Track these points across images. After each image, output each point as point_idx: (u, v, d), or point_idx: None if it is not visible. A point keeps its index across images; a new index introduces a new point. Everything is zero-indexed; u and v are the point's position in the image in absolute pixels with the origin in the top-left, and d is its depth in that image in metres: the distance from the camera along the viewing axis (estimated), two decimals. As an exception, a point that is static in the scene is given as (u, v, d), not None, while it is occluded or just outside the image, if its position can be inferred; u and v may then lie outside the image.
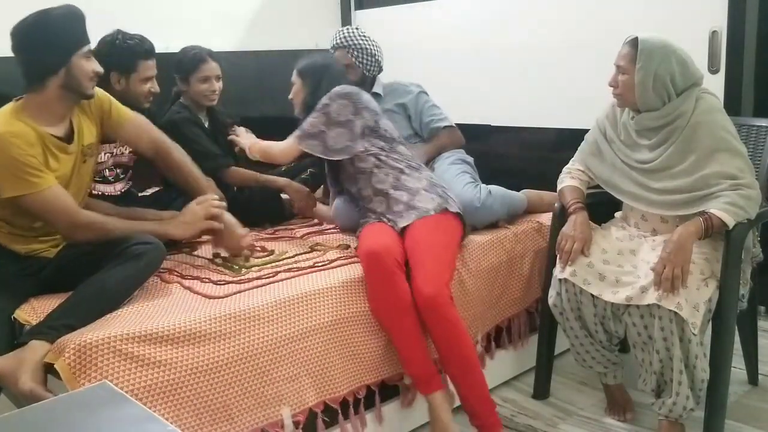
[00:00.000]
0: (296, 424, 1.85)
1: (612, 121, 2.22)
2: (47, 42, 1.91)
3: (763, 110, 2.66)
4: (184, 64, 2.72)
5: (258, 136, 2.69)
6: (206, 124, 2.82)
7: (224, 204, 2.21)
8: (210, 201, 2.14)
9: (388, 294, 2.05)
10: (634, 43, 2.03)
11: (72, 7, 1.96)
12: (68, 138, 1.99)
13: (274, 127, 2.96)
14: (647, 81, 2.01)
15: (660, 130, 2.07)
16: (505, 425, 2.24)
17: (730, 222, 1.93)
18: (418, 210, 2.22)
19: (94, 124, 2.09)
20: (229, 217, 2.17)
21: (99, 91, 2.08)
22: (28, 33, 1.90)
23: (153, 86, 2.45)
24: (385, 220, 2.26)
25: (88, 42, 1.99)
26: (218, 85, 2.76)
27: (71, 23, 1.95)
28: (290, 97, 2.49)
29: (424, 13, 3.68)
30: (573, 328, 2.18)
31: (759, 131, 2.27)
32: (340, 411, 1.96)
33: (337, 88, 2.32)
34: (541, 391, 2.41)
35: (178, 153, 2.24)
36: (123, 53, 2.36)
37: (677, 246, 1.91)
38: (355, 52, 2.77)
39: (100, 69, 2.01)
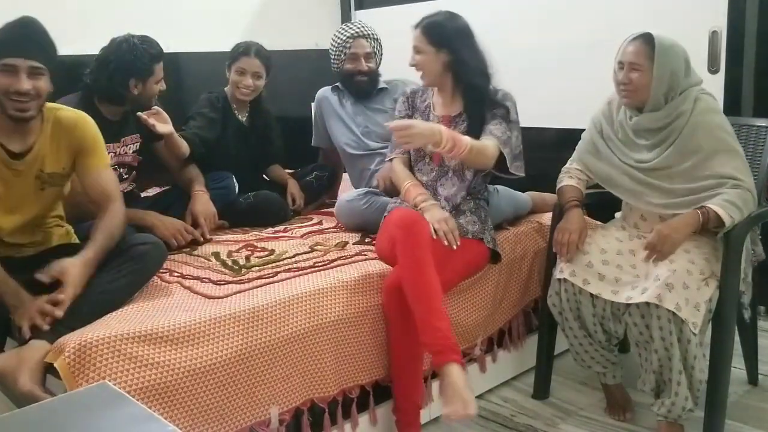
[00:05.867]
0: (281, 421, 1.83)
1: (608, 119, 2.21)
2: None
3: (763, 110, 2.66)
4: (230, 53, 2.78)
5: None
6: (241, 118, 2.85)
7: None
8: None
9: (420, 255, 1.98)
10: (647, 39, 2.00)
11: None
12: (21, 155, 1.85)
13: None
14: (664, 78, 1.99)
15: (659, 131, 2.07)
16: (505, 425, 2.24)
17: (727, 219, 1.91)
18: (459, 228, 2.18)
19: (66, 154, 1.93)
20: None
21: (91, 129, 1.96)
22: None
23: (162, 85, 2.47)
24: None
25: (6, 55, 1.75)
26: (253, 83, 2.75)
27: None
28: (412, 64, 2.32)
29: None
30: (572, 328, 2.18)
31: (759, 131, 2.27)
32: (327, 410, 1.94)
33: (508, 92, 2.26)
34: (541, 391, 2.41)
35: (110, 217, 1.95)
36: (143, 59, 2.34)
37: (672, 229, 1.93)
38: (373, 42, 2.78)
39: (23, 87, 1.75)
